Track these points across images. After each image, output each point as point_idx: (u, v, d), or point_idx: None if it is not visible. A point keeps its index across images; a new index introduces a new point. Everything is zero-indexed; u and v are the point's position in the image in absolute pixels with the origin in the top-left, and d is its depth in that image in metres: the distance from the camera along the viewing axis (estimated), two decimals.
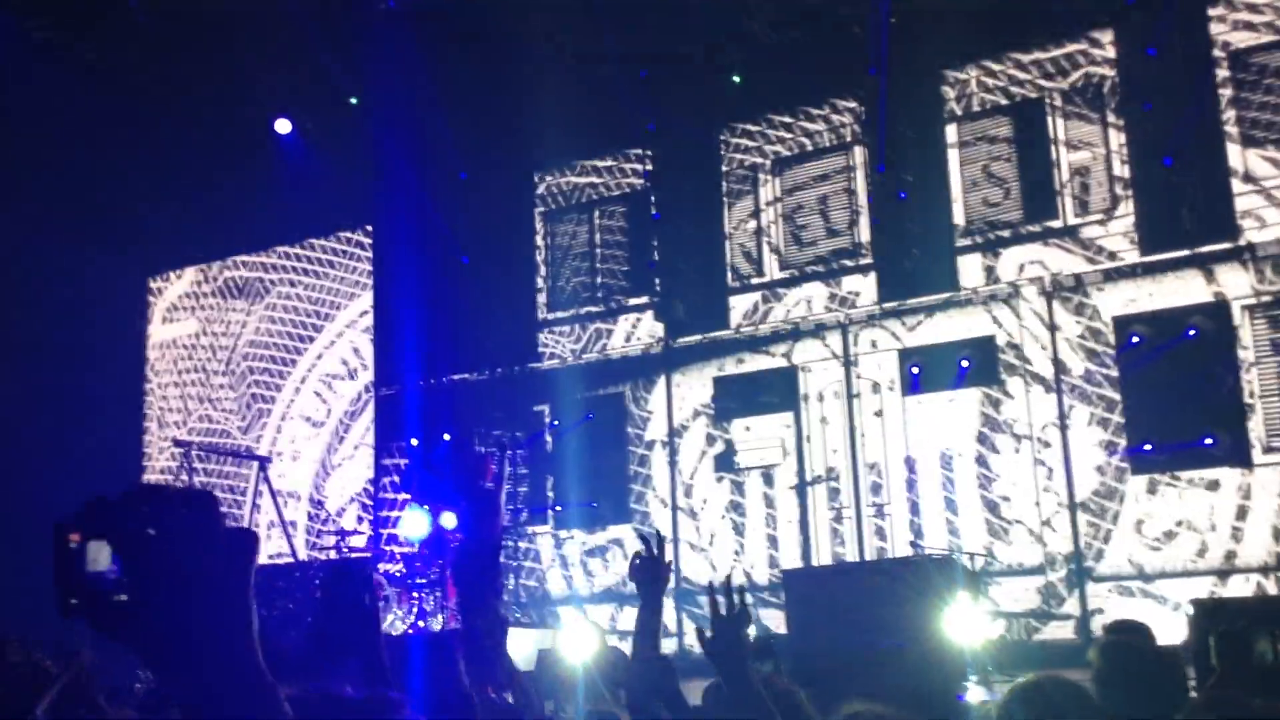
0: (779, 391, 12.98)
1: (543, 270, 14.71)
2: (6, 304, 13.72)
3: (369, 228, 15.66)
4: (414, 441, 14.24)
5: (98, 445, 14.45)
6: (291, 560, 12.37)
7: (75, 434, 13.96)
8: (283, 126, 13.95)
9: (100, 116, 13.62)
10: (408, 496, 13.23)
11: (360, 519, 14.78)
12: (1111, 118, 11.90)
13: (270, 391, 16.10)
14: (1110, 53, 12.02)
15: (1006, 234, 12.23)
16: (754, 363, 13.17)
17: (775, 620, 10.87)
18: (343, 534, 12.78)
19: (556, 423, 14.02)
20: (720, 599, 2.73)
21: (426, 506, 11.91)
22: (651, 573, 3.32)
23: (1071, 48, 12.19)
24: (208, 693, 1.07)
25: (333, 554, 12.21)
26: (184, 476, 15.49)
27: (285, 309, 16.26)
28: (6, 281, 13.70)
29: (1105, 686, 3.04)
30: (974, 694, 6.91)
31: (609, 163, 14.41)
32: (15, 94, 12.52)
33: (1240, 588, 10.42)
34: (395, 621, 11.23)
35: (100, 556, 1.08)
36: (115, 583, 1.08)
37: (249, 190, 14.56)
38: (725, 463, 13.09)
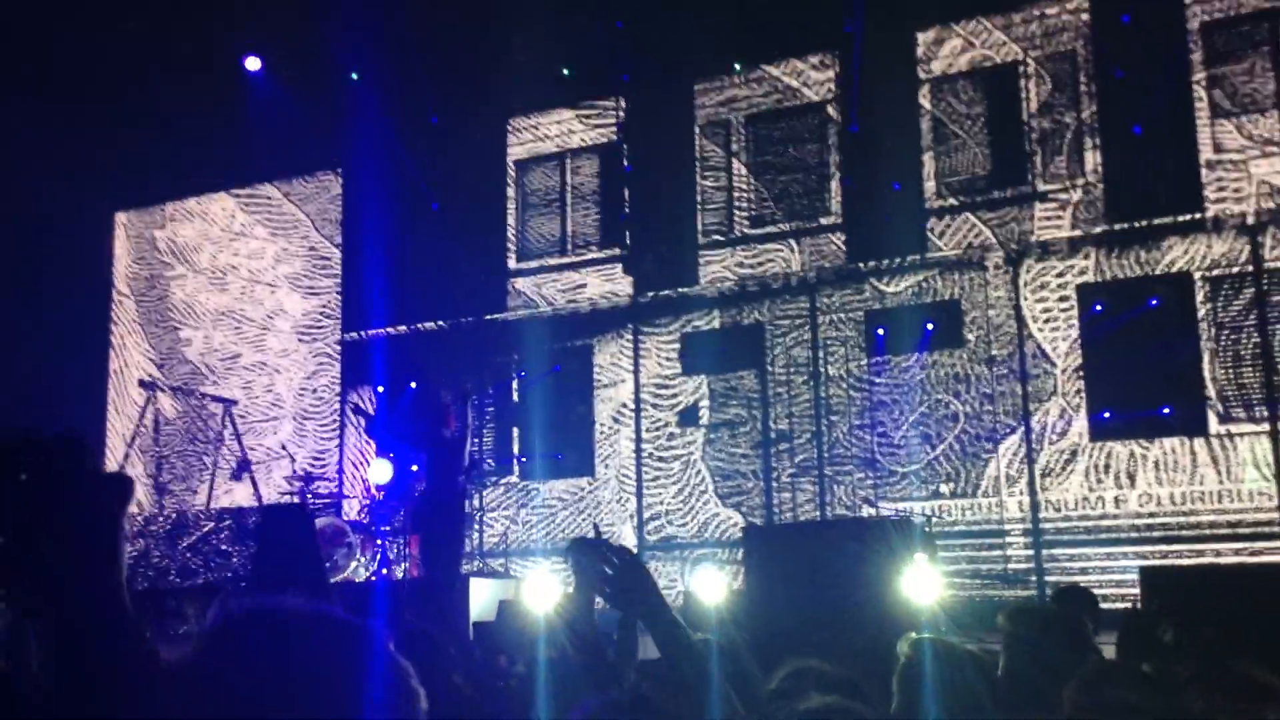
0: (747, 348, 13.05)
1: (512, 219, 14.65)
2: None
3: (339, 170, 15.50)
4: (379, 389, 14.22)
5: (63, 381, 14.35)
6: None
7: (41, 368, 13.85)
8: (252, 64, 13.74)
9: (72, 48, 13.36)
10: (373, 444, 13.22)
11: (324, 467, 14.77)
12: (1084, 84, 11.95)
13: (238, 335, 15.99)
14: (1085, 19, 12.05)
15: (977, 199, 12.30)
16: (722, 319, 13.23)
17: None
18: (308, 479, 12.79)
19: (524, 374, 14.04)
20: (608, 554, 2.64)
21: (391, 454, 11.93)
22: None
23: (1048, 12, 12.20)
24: (71, 630, 1.11)
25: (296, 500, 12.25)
26: (148, 418, 15.40)
27: (252, 251, 16.10)
28: None
29: (1007, 651, 3.16)
30: None
31: (583, 113, 14.31)
32: None
33: (1192, 555, 10.67)
34: (358, 569, 11.28)
35: None
36: None
37: (218, 127, 14.34)
38: (690, 418, 13.17)
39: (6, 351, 13.44)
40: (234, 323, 16.04)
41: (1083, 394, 11.47)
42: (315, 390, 15.32)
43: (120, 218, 17.03)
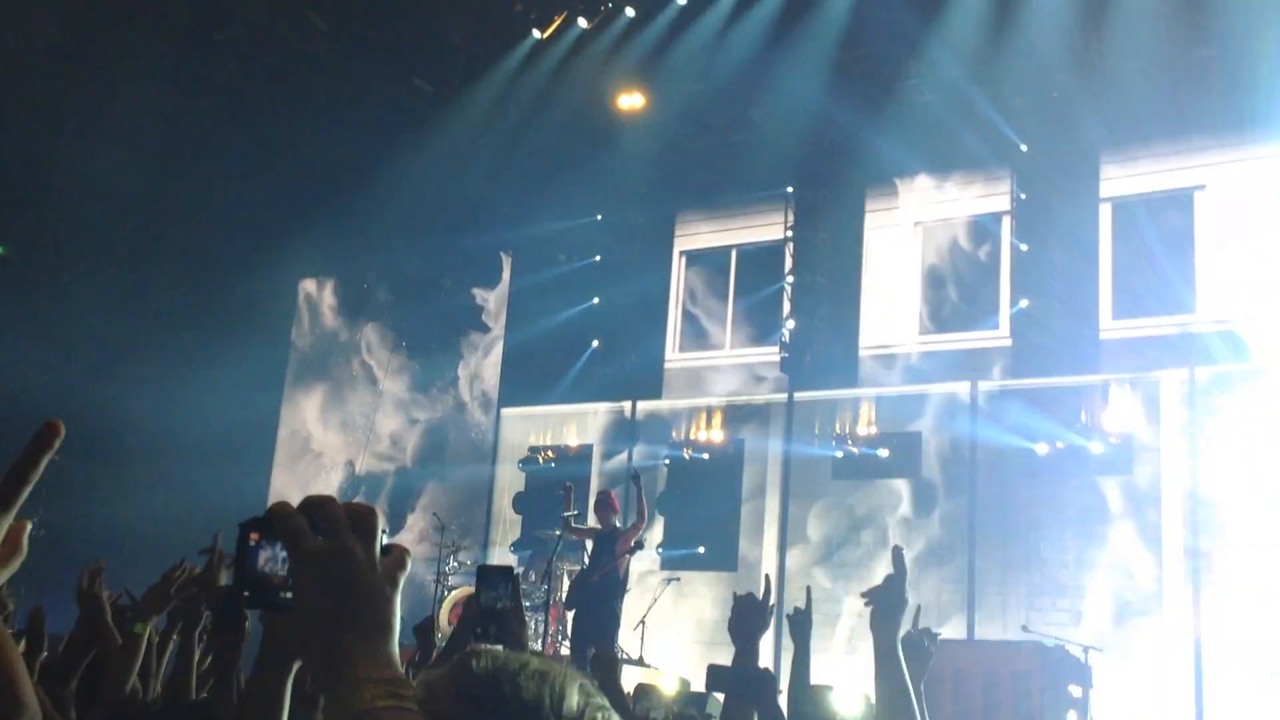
0: (900, 455, 12.84)
1: (675, 310, 14.90)
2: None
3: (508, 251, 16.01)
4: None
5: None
6: None
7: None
8: None
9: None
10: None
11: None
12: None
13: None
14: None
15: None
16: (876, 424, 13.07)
17: None
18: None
19: (668, 461, 14.11)
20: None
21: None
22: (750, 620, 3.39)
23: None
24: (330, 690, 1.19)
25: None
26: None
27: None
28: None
29: None
30: None
31: (749, 214, 14.53)
32: None
33: None
34: None
35: (271, 557, 1.24)
36: (282, 581, 1.24)
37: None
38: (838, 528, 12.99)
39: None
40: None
41: None
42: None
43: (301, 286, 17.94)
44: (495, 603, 2.65)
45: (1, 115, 13.40)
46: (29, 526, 1.25)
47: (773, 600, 3.47)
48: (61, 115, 14.03)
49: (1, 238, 14.31)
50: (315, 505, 1.22)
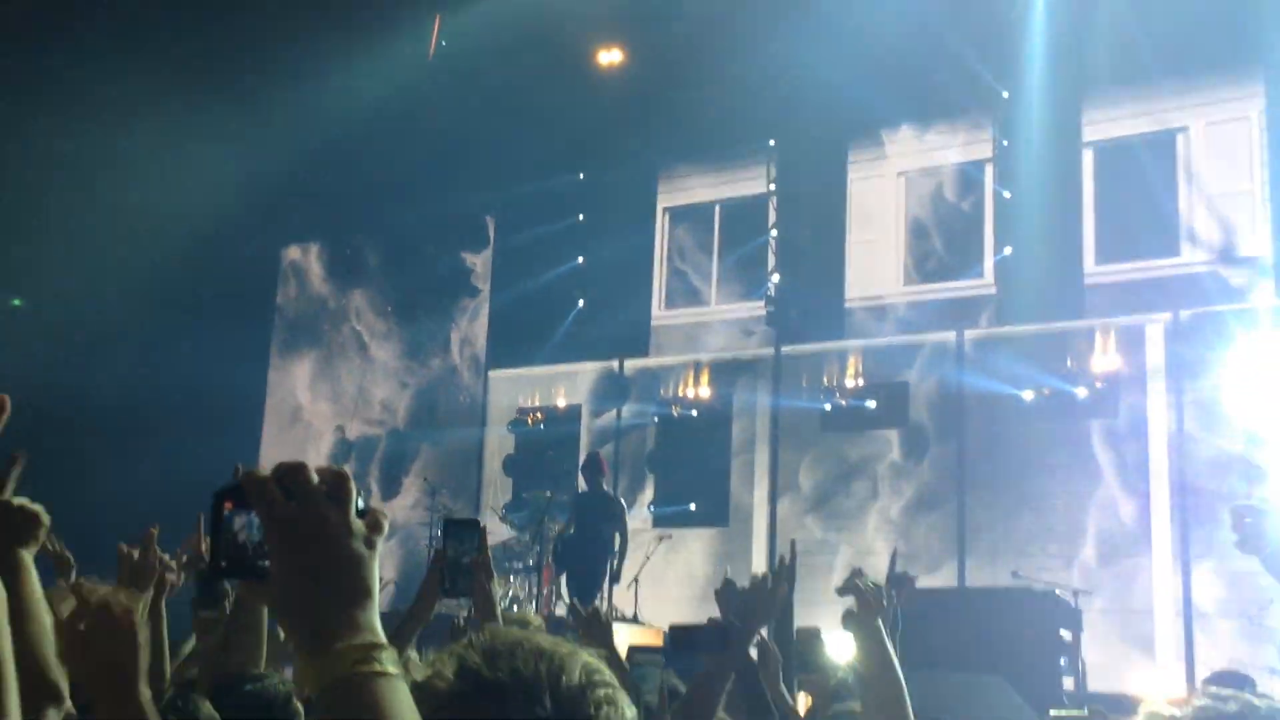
0: (888, 406, 12.88)
1: (660, 267, 14.86)
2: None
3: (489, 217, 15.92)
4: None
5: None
6: None
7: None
8: None
9: None
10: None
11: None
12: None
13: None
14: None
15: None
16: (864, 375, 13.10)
17: None
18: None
19: (656, 419, 14.14)
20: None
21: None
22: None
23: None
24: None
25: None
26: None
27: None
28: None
29: None
30: None
31: (732, 169, 14.46)
32: None
33: None
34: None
35: (247, 524, 1.23)
36: (258, 549, 1.23)
37: None
38: (828, 478, 13.06)
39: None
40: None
41: None
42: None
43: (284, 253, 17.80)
44: (462, 556, 2.62)
45: None
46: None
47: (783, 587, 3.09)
48: (37, 92, 13.85)
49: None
50: (286, 471, 1.21)
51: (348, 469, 1.27)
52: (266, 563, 1.22)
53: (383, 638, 1.18)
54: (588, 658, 1.34)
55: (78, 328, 13.91)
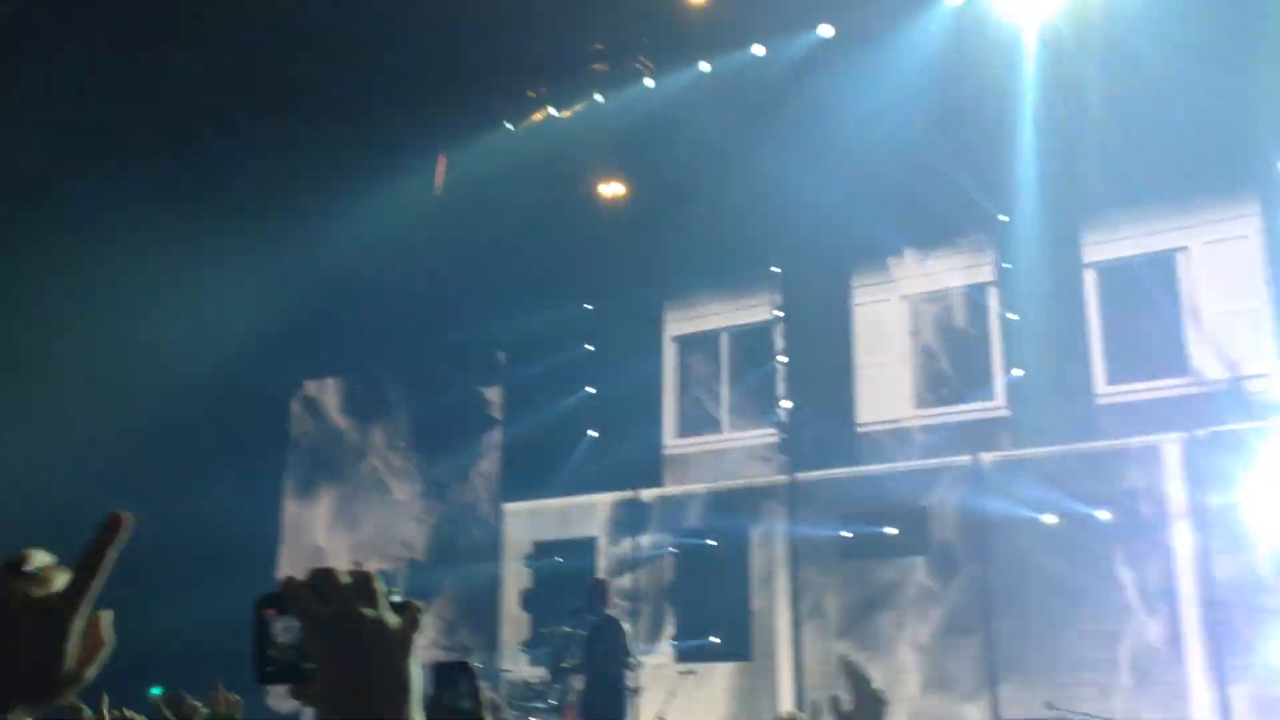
0: (909, 532, 12.74)
1: (670, 396, 14.91)
2: None
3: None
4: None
5: None
6: None
7: None
8: None
9: None
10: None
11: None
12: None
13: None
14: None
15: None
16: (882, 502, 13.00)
17: None
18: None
19: (675, 550, 14.04)
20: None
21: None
22: None
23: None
24: None
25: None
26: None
27: None
28: None
29: None
30: None
31: (737, 296, 14.60)
32: None
33: None
34: None
35: (289, 629, 1.30)
36: (299, 652, 1.29)
37: None
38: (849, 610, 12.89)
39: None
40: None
41: None
42: None
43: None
44: (456, 701, 2.51)
45: None
46: (110, 616, 1.29)
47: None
48: (55, 230, 14.10)
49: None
50: (319, 576, 1.27)
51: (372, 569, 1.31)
52: (310, 665, 1.28)
53: None
54: None
55: (89, 466, 13.95)
